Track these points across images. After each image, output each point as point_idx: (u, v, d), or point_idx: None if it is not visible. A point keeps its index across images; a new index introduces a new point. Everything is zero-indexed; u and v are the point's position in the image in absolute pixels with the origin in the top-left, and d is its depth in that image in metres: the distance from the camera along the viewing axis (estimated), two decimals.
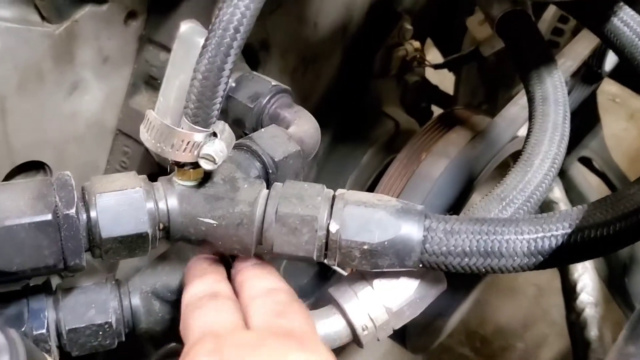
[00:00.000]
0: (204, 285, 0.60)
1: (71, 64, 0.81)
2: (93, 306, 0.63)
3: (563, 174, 1.61)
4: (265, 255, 0.64)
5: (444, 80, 1.61)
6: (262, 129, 0.75)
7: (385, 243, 0.58)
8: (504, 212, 0.67)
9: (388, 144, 1.22)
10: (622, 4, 0.79)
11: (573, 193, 1.61)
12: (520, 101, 1.06)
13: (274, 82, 0.81)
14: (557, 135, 0.75)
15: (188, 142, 0.57)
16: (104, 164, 0.94)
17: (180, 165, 0.59)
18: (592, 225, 0.58)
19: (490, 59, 1.32)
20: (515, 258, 0.58)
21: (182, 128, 0.57)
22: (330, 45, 1.09)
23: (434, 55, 1.62)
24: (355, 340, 0.64)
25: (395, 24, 1.20)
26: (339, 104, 1.17)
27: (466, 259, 0.59)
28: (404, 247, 0.58)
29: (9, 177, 0.82)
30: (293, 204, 0.59)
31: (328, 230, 0.58)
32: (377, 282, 0.64)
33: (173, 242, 0.64)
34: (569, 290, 1.46)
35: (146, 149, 0.61)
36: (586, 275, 1.44)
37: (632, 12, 0.78)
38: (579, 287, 1.44)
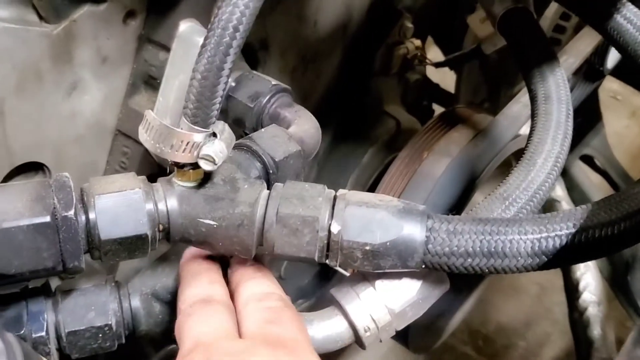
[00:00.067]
0: (197, 287, 0.60)
1: (70, 64, 0.80)
2: (93, 308, 0.62)
3: (565, 172, 1.61)
4: (265, 256, 0.64)
5: (445, 79, 1.61)
6: (263, 129, 0.75)
7: (388, 244, 0.58)
8: (507, 212, 0.67)
9: (389, 143, 1.22)
10: (625, 0, 0.78)
11: (575, 191, 1.61)
12: (522, 99, 1.06)
13: (274, 82, 0.81)
14: (560, 134, 0.74)
15: (187, 143, 0.56)
16: (104, 165, 0.94)
17: (180, 166, 0.59)
18: (596, 224, 0.58)
19: (492, 57, 1.32)
20: (519, 258, 0.57)
21: (182, 128, 0.56)
22: (331, 44, 1.09)
23: (434, 53, 1.61)
24: (358, 341, 0.64)
25: (396, 22, 1.19)
26: (340, 103, 1.17)
27: (469, 260, 0.58)
28: (406, 248, 0.58)
29: (8, 178, 0.82)
30: (294, 204, 0.58)
31: (329, 231, 0.58)
32: (379, 283, 0.63)
33: (173, 244, 0.64)
34: (572, 289, 1.45)
35: (146, 150, 0.60)
36: (589, 274, 1.44)
37: (636, 9, 0.78)
38: (581, 285, 1.43)
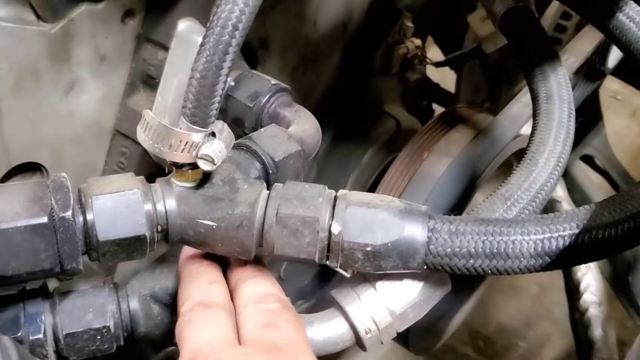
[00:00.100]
0: (198, 288, 0.59)
1: (68, 63, 0.80)
2: (91, 310, 0.62)
3: (565, 172, 1.60)
4: (265, 257, 0.63)
5: (445, 78, 1.60)
6: (262, 129, 0.74)
7: (389, 244, 0.57)
8: (508, 212, 0.66)
9: (389, 143, 1.21)
10: None
11: (575, 191, 1.61)
12: (523, 99, 1.05)
13: (273, 81, 0.81)
14: (562, 134, 0.74)
15: (186, 143, 0.56)
16: (102, 165, 0.93)
17: (179, 166, 0.58)
18: (599, 225, 0.57)
19: (493, 56, 1.31)
20: (522, 259, 0.57)
21: (180, 128, 0.56)
22: (331, 44, 1.09)
23: (434, 53, 1.61)
24: (359, 343, 0.63)
25: (396, 21, 1.19)
26: (340, 102, 1.17)
27: (471, 261, 0.57)
28: (407, 249, 0.57)
29: (5, 178, 0.81)
30: (294, 205, 0.58)
31: (330, 232, 0.57)
32: (380, 284, 0.63)
33: (172, 245, 0.63)
34: (573, 290, 1.45)
35: (144, 150, 0.60)
36: (590, 275, 1.44)
37: (638, 8, 0.77)
38: (582, 286, 1.43)
